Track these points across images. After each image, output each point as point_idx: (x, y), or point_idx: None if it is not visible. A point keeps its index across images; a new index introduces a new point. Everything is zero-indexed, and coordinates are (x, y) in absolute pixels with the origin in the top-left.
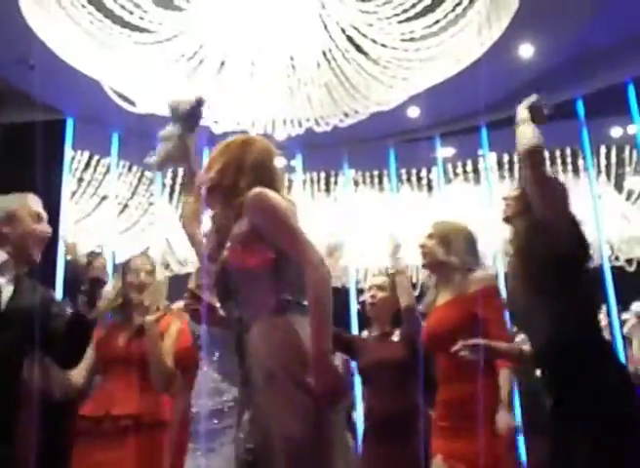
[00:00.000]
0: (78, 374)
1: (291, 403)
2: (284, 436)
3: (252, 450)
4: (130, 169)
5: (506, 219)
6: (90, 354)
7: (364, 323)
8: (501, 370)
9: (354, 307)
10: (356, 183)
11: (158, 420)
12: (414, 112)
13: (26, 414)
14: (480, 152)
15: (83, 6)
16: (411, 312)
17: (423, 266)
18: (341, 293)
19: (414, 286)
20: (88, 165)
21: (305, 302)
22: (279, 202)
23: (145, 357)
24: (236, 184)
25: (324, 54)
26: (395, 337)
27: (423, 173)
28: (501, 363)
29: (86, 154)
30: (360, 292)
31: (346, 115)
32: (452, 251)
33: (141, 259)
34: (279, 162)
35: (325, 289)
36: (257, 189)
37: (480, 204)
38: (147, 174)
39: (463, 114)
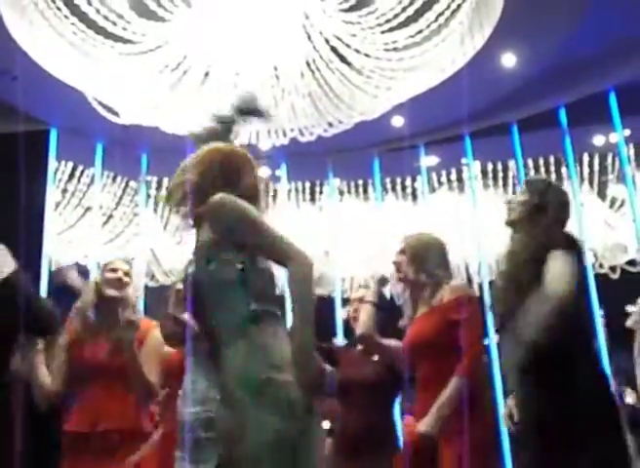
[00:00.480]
0: (53, 382)
1: (266, 414)
2: (255, 445)
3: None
4: (114, 179)
5: (510, 224)
6: (62, 358)
7: (350, 334)
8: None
9: (340, 316)
10: (341, 193)
11: (144, 433)
12: (398, 121)
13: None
14: (464, 161)
15: (66, 17)
16: (366, 340)
17: (399, 280)
18: (327, 303)
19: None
20: (72, 175)
21: (277, 311)
22: (246, 205)
23: (127, 368)
24: (210, 189)
25: (308, 64)
26: (376, 356)
27: (408, 182)
28: (459, 370)
29: (70, 165)
30: (346, 301)
31: (331, 125)
32: (422, 268)
33: (120, 262)
34: (261, 171)
35: (309, 284)
36: (219, 195)
37: (464, 212)
38: (132, 184)
39: (447, 123)
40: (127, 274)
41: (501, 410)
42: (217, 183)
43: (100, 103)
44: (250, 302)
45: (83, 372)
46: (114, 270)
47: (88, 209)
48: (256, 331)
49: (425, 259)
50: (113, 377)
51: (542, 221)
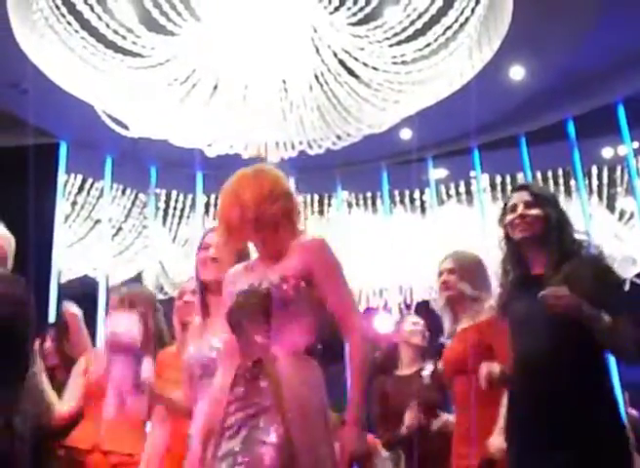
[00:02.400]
0: (66, 404)
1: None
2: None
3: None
4: (123, 192)
5: (529, 239)
6: (79, 381)
7: None
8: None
9: None
10: (349, 205)
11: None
12: (406, 134)
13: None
14: (472, 174)
15: (76, 31)
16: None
17: (447, 298)
18: None
19: (408, 306)
20: (81, 188)
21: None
22: (336, 256)
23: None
24: (266, 215)
25: (316, 77)
26: (426, 379)
27: (417, 194)
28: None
29: (79, 177)
30: None
31: (339, 138)
32: (472, 285)
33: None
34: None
35: (367, 357)
36: (317, 236)
37: (473, 225)
38: (141, 196)
39: (456, 136)
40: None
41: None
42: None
43: (110, 117)
44: (311, 334)
45: (93, 388)
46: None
47: (97, 221)
48: (309, 363)
49: (475, 277)
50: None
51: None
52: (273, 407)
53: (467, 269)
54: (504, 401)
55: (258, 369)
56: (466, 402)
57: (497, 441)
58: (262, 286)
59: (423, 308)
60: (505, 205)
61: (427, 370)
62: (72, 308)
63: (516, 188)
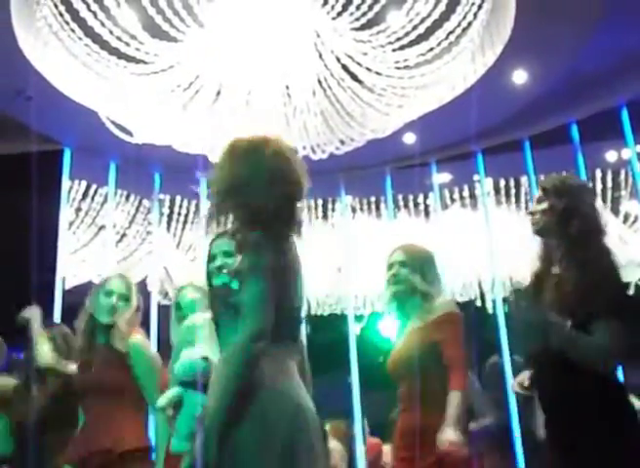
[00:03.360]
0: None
1: None
2: None
3: None
4: (127, 198)
5: (538, 232)
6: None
7: (365, 349)
8: (451, 392)
9: (353, 333)
10: (353, 210)
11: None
12: (410, 138)
13: None
14: (476, 178)
15: (80, 38)
16: None
17: (397, 292)
18: (340, 320)
19: None
20: (85, 194)
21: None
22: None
23: (120, 384)
24: None
25: (319, 82)
26: None
27: (420, 198)
28: (455, 384)
29: (83, 184)
30: (358, 318)
31: (342, 142)
32: (427, 279)
33: (116, 281)
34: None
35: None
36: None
37: (477, 229)
38: (145, 202)
39: (459, 140)
40: (125, 297)
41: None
42: None
43: (114, 123)
44: None
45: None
46: (109, 293)
47: (101, 227)
48: None
49: (426, 270)
50: (105, 394)
51: (574, 228)
52: None
53: (419, 262)
54: (454, 401)
55: None
56: (409, 404)
57: (446, 434)
58: None
59: None
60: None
61: None
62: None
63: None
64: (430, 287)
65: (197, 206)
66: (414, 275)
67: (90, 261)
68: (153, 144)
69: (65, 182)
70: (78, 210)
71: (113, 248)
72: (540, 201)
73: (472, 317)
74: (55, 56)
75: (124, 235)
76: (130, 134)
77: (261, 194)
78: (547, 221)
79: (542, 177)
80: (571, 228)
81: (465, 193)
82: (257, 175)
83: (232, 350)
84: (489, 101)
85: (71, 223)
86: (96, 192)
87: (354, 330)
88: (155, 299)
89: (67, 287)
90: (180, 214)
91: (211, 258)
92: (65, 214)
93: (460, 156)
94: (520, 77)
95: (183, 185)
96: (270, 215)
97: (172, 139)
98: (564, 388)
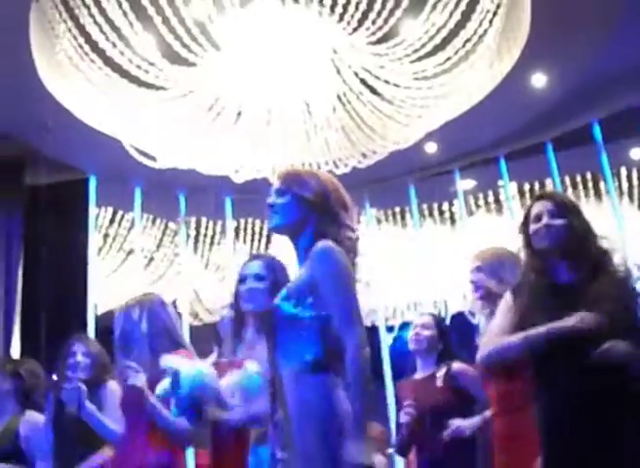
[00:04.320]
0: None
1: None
2: None
3: None
4: (154, 221)
5: (553, 246)
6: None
7: (398, 361)
8: None
9: (385, 345)
10: (378, 221)
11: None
12: (431, 148)
13: None
14: (500, 183)
15: (100, 68)
16: None
17: (478, 298)
18: (371, 331)
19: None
20: (112, 220)
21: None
22: (343, 261)
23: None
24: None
25: (339, 97)
26: (439, 382)
27: (445, 206)
28: None
29: (110, 210)
30: (389, 329)
31: (364, 156)
32: (503, 280)
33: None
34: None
35: (361, 369)
36: (325, 242)
37: (503, 233)
38: (171, 225)
39: (481, 146)
40: None
41: None
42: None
43: (137, 149)
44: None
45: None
46: None
47: (130, 252)
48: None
49: (501, 272)
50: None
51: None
52: None
53: (494, 266)
54: None
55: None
56: (507, 405)
57: None
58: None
59: (459, 319)
60: (527, 213)
61: (440, 373)
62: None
63: (539, 197)
64: (506, 286)
65: (223, 226)
66: (489, 280)
67: (120, 286)
68: (177, 168)
69: (92, 209)
70: (106, 236)
71: (142, 271)
72: (554, 215)
73: None
74: (76, 86)
75: (152, 258)
76: (153, 159)
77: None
78: (568, 238)
79: (567, 178)
80: (594, 247)
81: (490, 198)
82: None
83: (349, 363)
84: (509, 106)
85: (100, 249)
86: (122, 217)
87: (386, 341)
88: (186, 320)
89: (99, 312)
90: (206, 234)
91: (241, 280)
92: (94, 240)
93: (482, 162)
94: (539, 80)
95: (208, 206)
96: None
97: (195, 163)
98: (600, 388)
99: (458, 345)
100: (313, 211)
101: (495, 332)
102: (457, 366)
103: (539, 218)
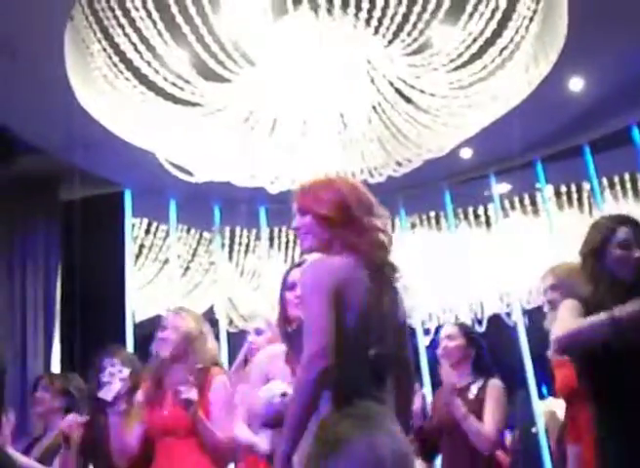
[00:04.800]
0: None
1: None
2: None
3: None
4: (188, 231)
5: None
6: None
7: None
8: None
9: (422, 346)
10: (413, 226)
11: None
12: (466, 153)
13: None
14: (537, 185)
15: (134, 86)
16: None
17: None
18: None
19: (479, 322)
20: (148, 231)
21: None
22: (321, 276)
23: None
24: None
25: (374, 107)
26: (471, 394)
27: (480, 210)
28: None
29: (145, 221)
30: (426, 332)
31: (399, 164)
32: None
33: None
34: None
35: (302, 392)
36: (314, 258)
37: (539, 236)
38: (206, 234)
39: (517, 150)
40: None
41: None
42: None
43: (172, 164)
44: None
45: (152, 433)
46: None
47: (165, 261)
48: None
49: (579, 289)
50: (181, 435)
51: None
52: None
53: (569, 282)
54: None
55: None
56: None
57: None
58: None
59: (494, 322)
60: (608, 235)
61: (475, 385)
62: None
63: (622, 221)
64: None
65: (257, 235)
66: (564, 298)
67: (157, 296)
68: (212, 181)
69: (128, 221)
70: (141, 246)
71: (178, 281)
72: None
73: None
74: (110, 102)
75: (188, 268)
76: (188, 173)
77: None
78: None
79: (605, 180)
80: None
81: (526, 201)
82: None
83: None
84: (545, 110)
85: (136, 259)
86: (157, 228)
87: (424, 343)
88: (223, 328)
89: (137, 321)
90: (240, 243)
91: (289, 287)
92: (130, 251)
93: (518, 166)
94: (576, 84)
95: (242, 215)
96: None
97: (230, 175)
98: None
99: (493, 348)
100: (337, 226)
101: (566, 319)
102: (493, 382)
103: (627, 247)
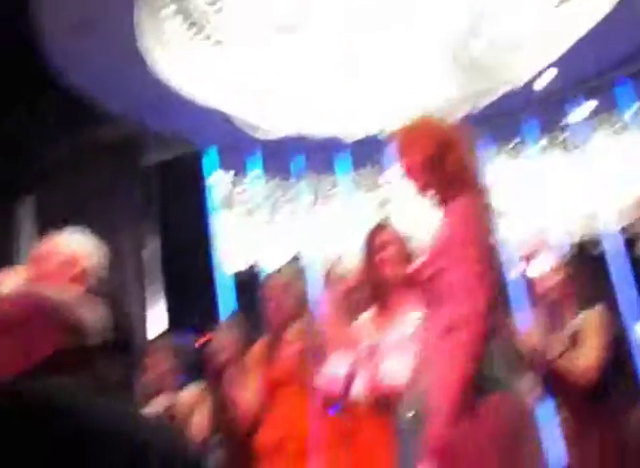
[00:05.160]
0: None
1: None
2: None
3: None
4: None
5: None
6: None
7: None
8: None
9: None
10: (498, 154)
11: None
12: (551, 73)
13: None
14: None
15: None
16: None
17: None
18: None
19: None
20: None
21: None
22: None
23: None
24: None
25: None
26: None
27: (566, 134)
28: None
29: (229, 174)
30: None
31: (482, 94)
32: None
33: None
34: None
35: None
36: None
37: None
38: (289, 183)
39: (601, 69)
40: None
41: None
42: None
43: (246, 121)
44: None
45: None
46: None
47: (250, 211)
48: None
49: None
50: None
51: None
52: None
53: None
54: None
55: None
56: None
57: None
58: None
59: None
60: None
61: None
62: None
63: None
64: None
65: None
66: None
67: (244, 245)
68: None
69: (210, 178)
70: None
71: (265, 229)
72: None
73: None
74: (179, 62)
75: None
76: (264, 129)
77: None
78: None
79: None
80: None
81: (613, 120)
82: None
83: None
84: (630, 27)
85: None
86: (240, 181)
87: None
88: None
89: (227, 272)
90: (323, 189)
91: (381, 248)
92: (214, 205)
93: (604, 83)
94: None
95: (325, 162)
96: None
97: (310, 126)
98: None
99: None
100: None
101: None
102: None
103: None
